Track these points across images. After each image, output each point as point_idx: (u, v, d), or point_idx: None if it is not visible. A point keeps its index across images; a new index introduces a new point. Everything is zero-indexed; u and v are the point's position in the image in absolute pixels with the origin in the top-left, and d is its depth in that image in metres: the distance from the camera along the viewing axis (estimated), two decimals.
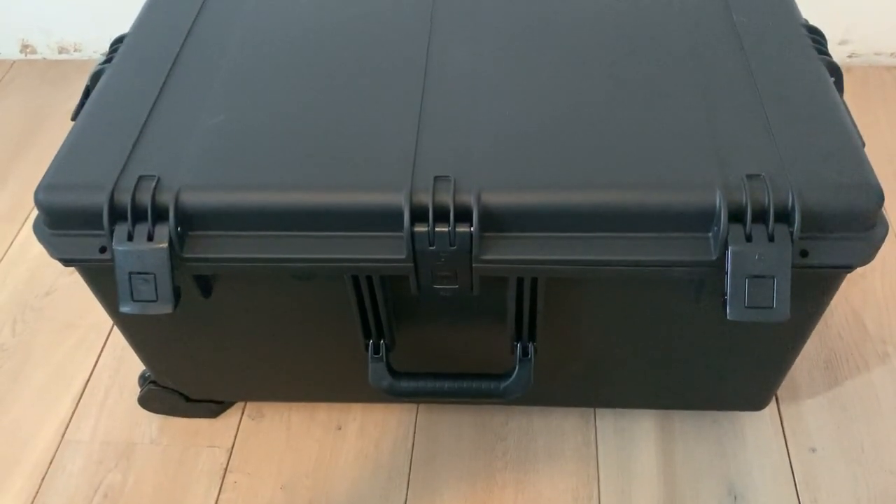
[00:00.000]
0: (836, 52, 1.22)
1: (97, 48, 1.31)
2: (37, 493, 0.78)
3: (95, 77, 0.69)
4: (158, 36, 0.71)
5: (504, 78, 0.65)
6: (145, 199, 0.57)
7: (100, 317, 0.72)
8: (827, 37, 0.71)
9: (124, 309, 0.58)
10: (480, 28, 0.70)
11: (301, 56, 0.69)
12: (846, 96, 0.69)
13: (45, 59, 1.35)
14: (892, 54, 1.24)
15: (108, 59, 0.71)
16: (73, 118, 0.67)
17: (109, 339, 0.91)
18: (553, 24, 0.70)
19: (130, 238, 0.57)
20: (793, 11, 0.71)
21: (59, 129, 0.63)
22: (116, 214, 0.57)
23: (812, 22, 0.71)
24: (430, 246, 0.57)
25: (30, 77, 1.31)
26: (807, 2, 0.81)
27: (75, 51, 1.34)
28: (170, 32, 0.71)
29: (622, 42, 0.68)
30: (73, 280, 0.97)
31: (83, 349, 0.91)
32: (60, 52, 1.35)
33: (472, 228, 0.56)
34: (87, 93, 0.69)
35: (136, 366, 0.82)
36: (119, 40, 0.73)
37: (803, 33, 0.68)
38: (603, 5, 0.72)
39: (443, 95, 0.64)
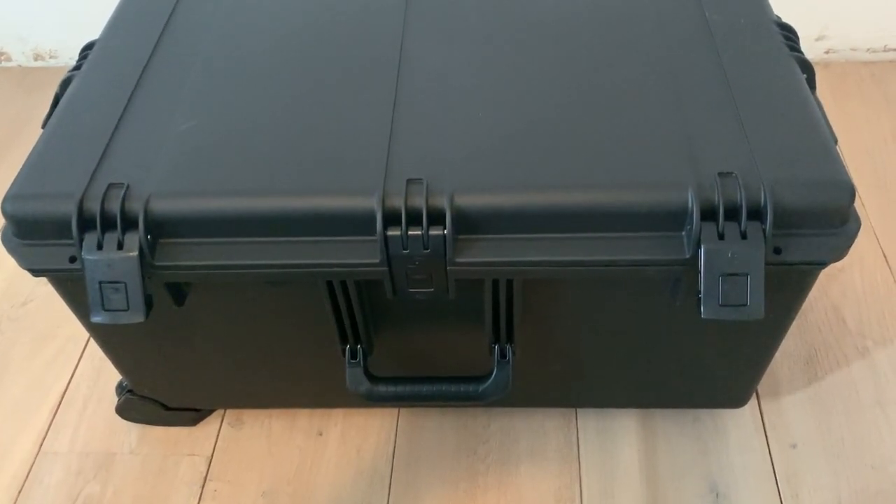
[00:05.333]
0: (813, 49, 1.23)
1: (73, 55, 1.29)
2: None
3: (65, 84, 0.69)
4: (128, 41, 0.71)
5: (476, 79, 0.65)
6: (114, 206, 0.56)
7: (78, 326, 0.71)
8: (804, 33, 0.71)
9: (95, 319, 0.57)
10: (453, 29, 0.70)
11: (272, 60, 0.68)
12: (823, 92, 0.69)
13: (20, 66, 1.34)
14: (868, 50, 1.25)
15: (78, 66, 0.70)
16: (44, 126, 0.66)
17: (87, 349, 0.90)
18: (526, 25, 0.70)
19: (100, 247, 0.56)
20: (765, 8, 0.71)
21: (35, 137, 0.62)
22: (85, 223, 0.57)
23: (789, 18, 0.71)
24: (404, 249, 0.56)
25: (5, 85, 1.30)
26: None
27: (51, 58, 1.33)
28: (140, 38, 0.71)
29: (595, 42, 0.68)
30: (50, 290, 0.95)
31: (61, 359, 0.90)
32: (36, 60, 1.33)
33: (445, 231, 0.56)
34: (56, 101, 0.68)
35: (114, 375, 0.81)
36: (89, 46, 0.72)
37: (775, 30, 0.68)
38: (576, 5, 0.71)
39: (415, 98, 0.63)
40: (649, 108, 0.61)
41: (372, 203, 0.56)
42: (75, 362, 0.89)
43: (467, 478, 0.78)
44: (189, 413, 0.82)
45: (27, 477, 0.80)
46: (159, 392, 0.79)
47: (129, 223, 0.56)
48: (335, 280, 0.61)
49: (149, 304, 0.58)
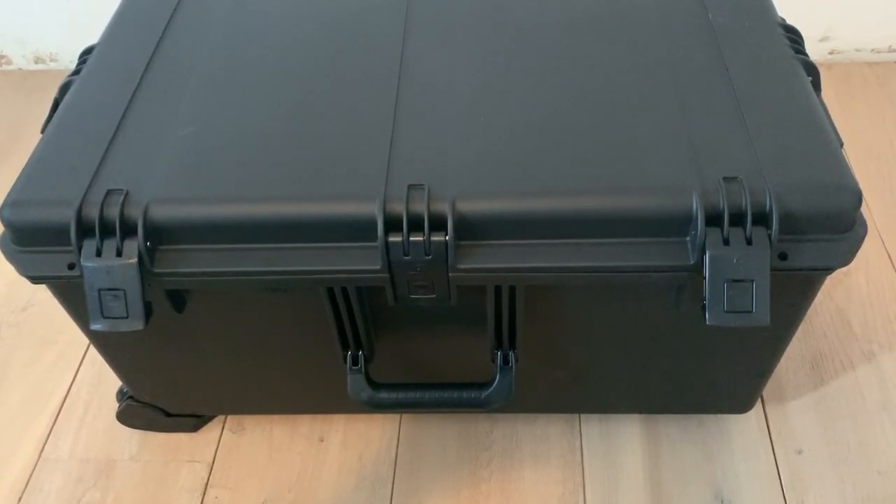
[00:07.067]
0: (817, 50, 1.22)
1: (74, 58, 1.28)
2: None
3: (64, 89, 0.68)
4: (128, 46, 0.70)
5: (478, 85, 0.64)
6: (113, 213, 0.56)
7: (78, 332, 0.71)
8: (808, 34, 0.70)
9: (95, 326, 0.57)
10: (454, 35, 0.69)
11: (272, 65, 0.68)
12: (827, 94, 0.69)
13: (20, 69, 1.34)
14: (872, 50, 1.24)
15: (77, 71, 0.70)
16: (43, 131, 0.65)
17: (88, 355, 0.90)
18: (527, 29, 0.69)
19: (99, 254, 0.56)
20: (769, 11, 0.70)
21: (35, 141, 0.62)
22: (84, 230, 0.56)
23: (792, 19, 0.71)
24: (405, 256, 0.56)
25: (5, 88, 1.30)
26: None
27: (52, 61, 1.33)
28: (139, 43, 0.70)
29: (598, 45, 0.67)
30: (50, 295, 0.95)
31: (61, 365, 0.89)
32: (37, 63, 1.33)
33: (447, 237, 0.55)
34: (55, 105, 0.68)
35: (115, 381, 0.80)
36: (88, 51, 0.72)
37: (780, 33, 0.67)
38: (578, 8, 0.71)
39: (416, 103, 0.63)
40: (653, 112, 0.61)
41: (373, 209, 0.55)
42: (76, 368, 0.89)
43: (470, 484, 0.77)
44: (190, 419, 0.81)
45: (27, 483, 0.79)
46: (160, 398, 0.79)
47: (129, 230, 0.56)
48: (336, 286, 0.61)
49: (148, 311, 0.57)
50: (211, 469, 0.79)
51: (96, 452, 0.81)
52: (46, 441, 0.82)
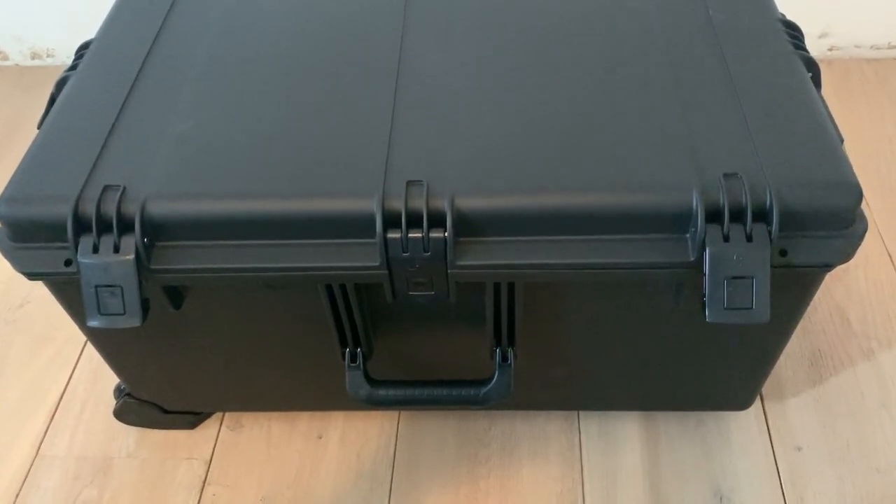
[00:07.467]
0: (817, 46, 1.22)
1: (71, 54, 1.28)
2: None
3: (60, 85, 0.68)
4: (125, 41, 0.70)
5: (477, 81, 0.64)
6: (110, 209, 0.56)
7: (75, 329, 0.71)
8: (807, 30, 0.70)
9: (92, 323, 0.57)
10: (453, 30, 0.69)
11: (271, 61, 0.67)
12: (826, 90, 0.69)
13: (17, 65, 1.33)
14: (872, 47, 1.24)
15: (74, 66, 0.69)
16: (39, 127, 0.65)
17: (85, 352, 0.89)
18: (527, 24, 0.69)
19: (96, 250, 0.56)
20: (769, 7, 0.70)
21: (32, 136, 0.62)
22: (81, 226, 0.56)
23: (792, 16, 0.70)
24: (404, 252, 0.55)
25: (2, 84, 1.29)
26: None
27: (48, 56, 1.32)
28: (136, 38, 0.70)
29: (597, 42, 0.67)
30: (47, 292, 0.95)
31: (58, 362, 0.89)
32: (33, 59, 1.33)
33: (446, 234, 0.55)
34: (52, 101, 0.67)
35: (112, 378, 0.80)
36: (85, 46, 0.72)
37: (780, 28, 0.67)
38: (577, 5, 0.71)
39: (415, 99, 0.62)
40: (653, 108, 0.60)
41: (371, 205, 0.55)
42: (73, 365, 0.89)
43: (468, 482, 0.77)
44: (187, 416, 0.81)
45: (24, 481, 0.79)
46: (157, 395, 0.78)
47: (126, 226, 0.56)
48: (334, 283, 0.61)
49: (145, 307, 0.57)
50: (209, 466, 0.79)
51: (94, 450, 0.81)
52: (43, 438, 0.82)
